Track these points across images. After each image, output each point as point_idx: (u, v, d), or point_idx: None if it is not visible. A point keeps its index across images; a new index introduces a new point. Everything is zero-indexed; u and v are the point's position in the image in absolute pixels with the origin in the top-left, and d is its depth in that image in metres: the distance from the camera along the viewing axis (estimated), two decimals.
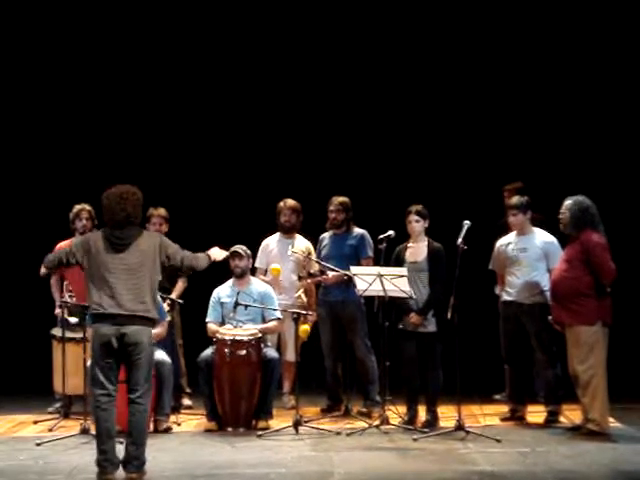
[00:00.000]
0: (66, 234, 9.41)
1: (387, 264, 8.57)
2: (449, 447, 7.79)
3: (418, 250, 8.62)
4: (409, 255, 8.63)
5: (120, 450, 6.98)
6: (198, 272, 7.42)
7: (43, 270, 7.59)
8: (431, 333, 8.49)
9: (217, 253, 7.43)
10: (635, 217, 11.16)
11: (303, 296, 9.49)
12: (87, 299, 7.07)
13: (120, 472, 6.92)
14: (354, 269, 8.57)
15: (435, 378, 8.50)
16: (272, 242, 9.69)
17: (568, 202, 8.21)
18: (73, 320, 8.63)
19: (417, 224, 8.63)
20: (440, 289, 8.48)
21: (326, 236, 9.42)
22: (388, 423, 8.41)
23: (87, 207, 9.27)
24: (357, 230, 9.34)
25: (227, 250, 7.65)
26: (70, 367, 8.68)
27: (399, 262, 8.60)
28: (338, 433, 8.31)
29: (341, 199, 9.33)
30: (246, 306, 8.74)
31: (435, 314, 8.47)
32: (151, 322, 7.06)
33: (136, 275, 6.94)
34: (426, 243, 8.63)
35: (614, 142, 11.32)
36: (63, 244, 9.26)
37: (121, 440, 7.06)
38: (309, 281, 9.37)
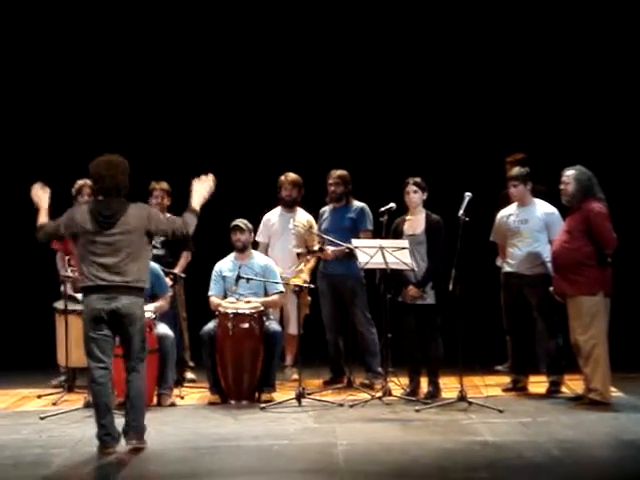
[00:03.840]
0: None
1: (388, 236, 8.58)
2: (451, 418, 7.82)
3: (416, 222, 8.62)
4: (407, 227, 8.63)
5: (120, 424, 7.02)
6: (201, 246, 7.43)
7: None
8: (430, 305, 8.50)
9: (199, 189, 7.20)
10: (636, 186, 11.16)
11: (304, 269, 9.48)
12: (78, 273, 7.11)
13: (121, 443, 6.98)
14: (355, 242, 8.58)
15: (436, 350, 8.53)
16: (273, 216, 9.69)
17: (571, 172, 8.16)
18: (79, 296, 8.64)
19: (415, 195, 8.61)
20: (438, 261, 8.49)
21: (326, 210, 9.43)
22: (390, 395, 8.42)
23: (89, 182, 9.25)
24: (357, 203, 9.33)
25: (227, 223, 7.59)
26: (73, 340, 8.67)
27: (397, 235, 8.60)
28: (341, 405, 8.34)
29: (340, 172, 9.32)
30: (248, 279, 8.75)
31: (434, 286, 8.48)
32: (141, 291, 7.07)
33: (123, 249, 6.95)
34: (424, 215, 8.62)
35: (614, 113, 11.31)
36: None
37: (121, 413, 7.10)
38: (308, 257, 9.36)
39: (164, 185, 9.59)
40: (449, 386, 8.67)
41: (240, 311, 8.60)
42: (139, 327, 7.02)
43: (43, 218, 7.28)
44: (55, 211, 9.48)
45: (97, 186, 7.13)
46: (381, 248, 8.28)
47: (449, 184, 9.69)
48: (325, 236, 9.14)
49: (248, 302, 8.71)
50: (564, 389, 8.73)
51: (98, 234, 6.98)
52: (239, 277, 8.73)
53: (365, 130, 11.51)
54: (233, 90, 11.59)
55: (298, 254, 9.35)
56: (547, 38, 11.32)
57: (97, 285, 6.93)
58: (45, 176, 11.13)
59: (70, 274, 8.63)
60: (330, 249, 9.10)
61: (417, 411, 8.03)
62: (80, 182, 9.36)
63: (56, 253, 9.32)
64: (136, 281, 6.99)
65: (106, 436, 6.94)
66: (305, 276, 9.31)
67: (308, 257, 9.34)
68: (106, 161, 7.08)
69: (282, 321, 9.43)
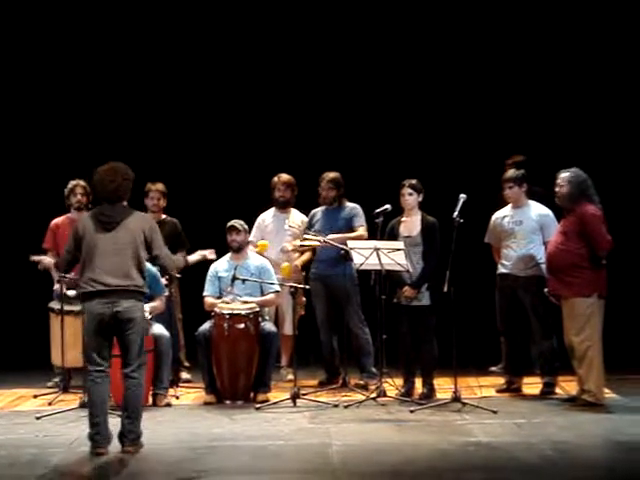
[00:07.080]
0: (61, 210, 9.44)
1: (383, 238, 8.60)
2: (446, 419, 7.85)
3: (412, 224, 8.65)
4: (403, 229, 8.66)
5: (115, 424, 7.03)
6: (196, 247, 7.47)
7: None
8: (425, 306, 8.52)
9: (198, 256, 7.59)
10: (631, 189, 11.19)
11: (298, 262, 9.46)
12: (79, 279, 7.11)
13: (116, 445, 6.98)
14: (351, 243, 8.59)
15: (430, 351, 8.55)
16: (267, 217, 9.70)
17: (566, 175, 8.20)
18: (71, 293, 8.64)
19: (410, 197, 8.64)
20: (433, 263, 8.51)
21: (318, 211, 9.40)
22: (385, 395, 8.44)
23: (82, 183, 9.27)
24: (349, 204, 9.31)
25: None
26: (68, 340, 8.69)
27: (393, 236, 8.62)
28: (335, 405, 8.36)
29: (332, 176, 9.30)
30: (244, 280, 8.77)
31: (429, 287, 8.51)
32: (141, 295, 7.09)
33: (124, 252, 6.97)
34: (420, 217, 8.65)
35: (611, 115, 11.32)
36: (58, 220, 9.35)
37: (117, 413, 7.13)
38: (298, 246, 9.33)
39: (160, 186, 9.59)
40: (443, 387, 8.69)
41: (235, 312, 8.62)
42: (139, 331, 7.02)
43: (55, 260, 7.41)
44: (50, 211, 9.56)
45: (98, 191, 7.16)
46: (376, 249, 8.30)
47: (444, 186, 9.71)
48: (321, 237, 9.09)
49: (244, 302, 8.74)
50: (558, 390, 8.75)
51: (100, 235, 6.99)
52: (235, 278, 8.74)
53: (360, 131, 11.50)
54: (227, 92, 11.58)
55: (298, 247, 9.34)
56: (545, 40, 11.31)
57: (98, 290, 6.94)
58: (42, 178, 11.27)
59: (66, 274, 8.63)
60: (331, 237, 9.02)
61: (411, 412, 8.05)
62: (73, 182, 9.36)
63: (46, 253, 9.28)
64: (136, 285, 7.01)
65: (97, 435, 6.95)
66: (298, 262, 9.29)
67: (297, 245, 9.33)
68: (109, 167, 7.13)
69: (277, 322, 9.44)
